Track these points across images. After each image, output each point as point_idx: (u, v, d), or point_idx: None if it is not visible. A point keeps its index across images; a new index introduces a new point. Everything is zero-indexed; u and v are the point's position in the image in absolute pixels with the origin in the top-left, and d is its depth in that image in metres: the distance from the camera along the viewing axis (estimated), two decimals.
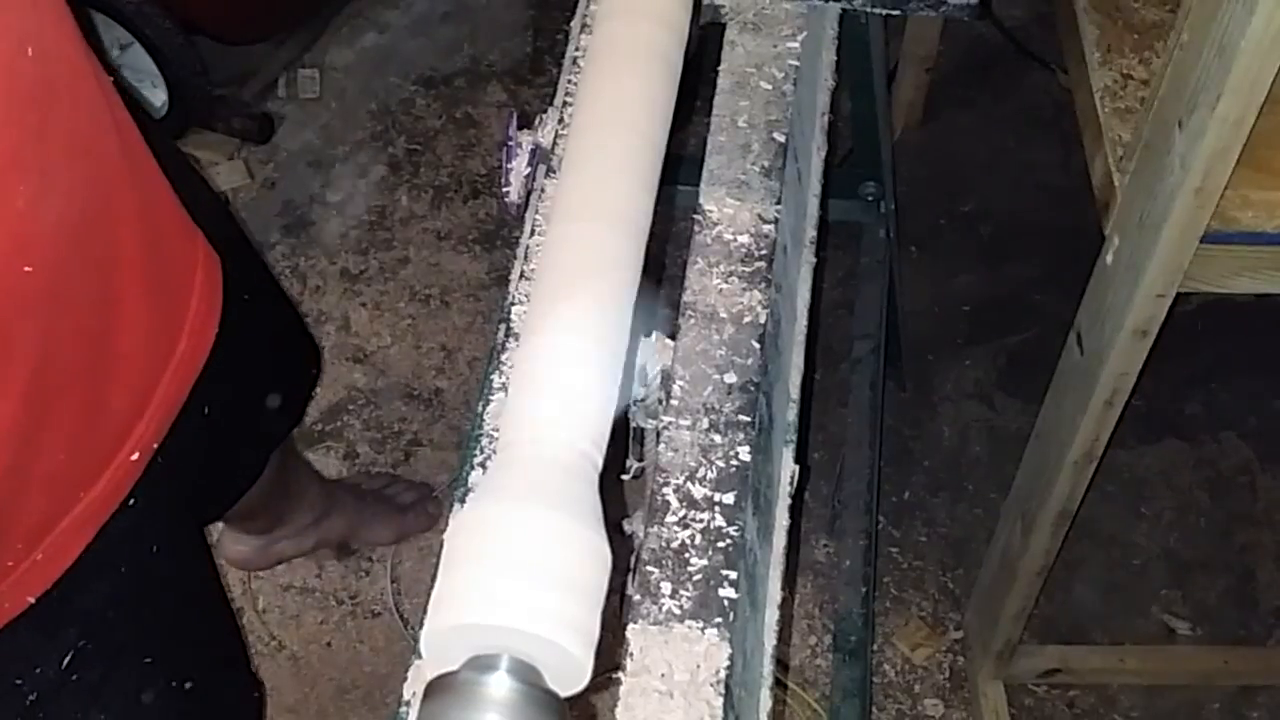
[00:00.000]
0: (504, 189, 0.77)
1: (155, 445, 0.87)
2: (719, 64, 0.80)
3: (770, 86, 0.78)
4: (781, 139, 0.75)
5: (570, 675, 0.46)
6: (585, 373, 0.47)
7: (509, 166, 0.77)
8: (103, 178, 0.79)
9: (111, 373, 0.83)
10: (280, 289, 1.28)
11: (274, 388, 1.19)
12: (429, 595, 0.45)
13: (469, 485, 0.64)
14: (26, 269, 0.71)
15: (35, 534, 0.81)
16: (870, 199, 1.57)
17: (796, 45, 0.80)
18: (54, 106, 0.72)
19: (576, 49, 0.82)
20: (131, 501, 0.87)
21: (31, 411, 0.76)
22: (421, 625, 0.47)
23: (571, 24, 0.86)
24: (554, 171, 0.75)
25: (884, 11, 0.83)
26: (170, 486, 0.91)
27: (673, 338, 0.66)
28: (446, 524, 0.48)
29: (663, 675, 0.55)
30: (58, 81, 0.73)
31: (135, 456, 0.86)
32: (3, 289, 0.70)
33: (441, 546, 0.46)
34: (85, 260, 0.77)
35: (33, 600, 0.83)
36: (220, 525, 1.57)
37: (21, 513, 0.79)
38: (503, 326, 0.69)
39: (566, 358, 0.47)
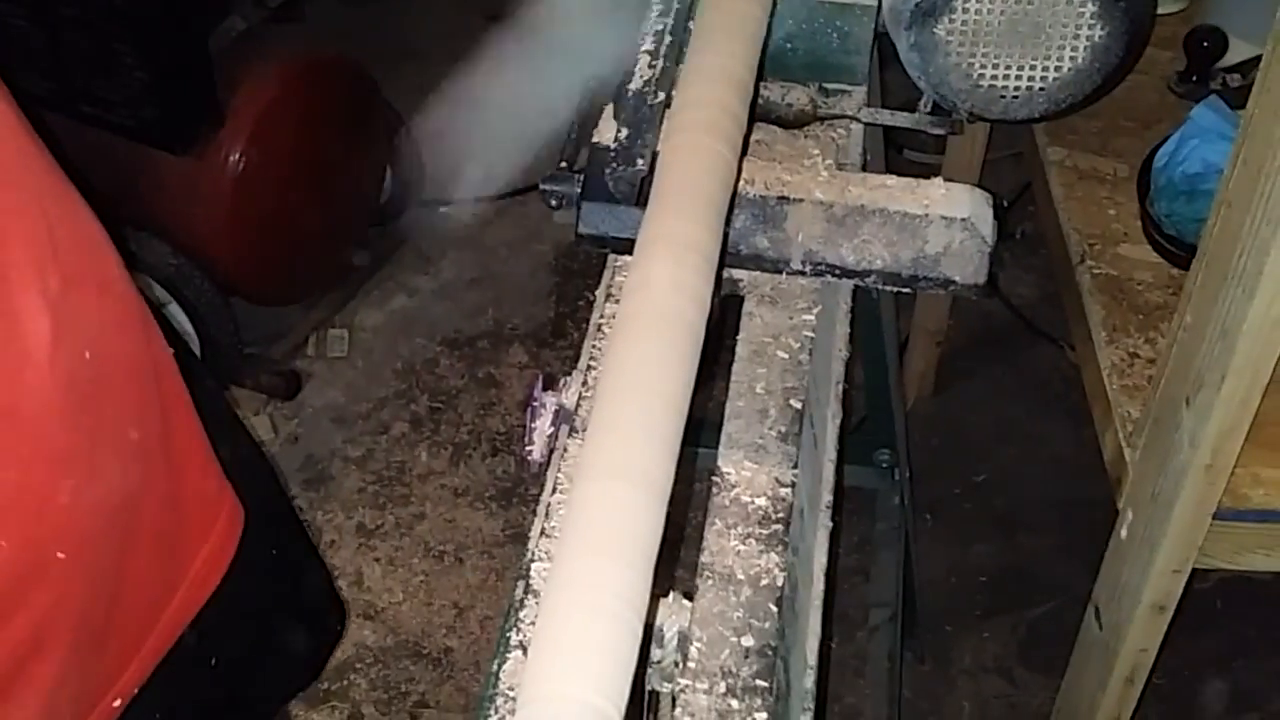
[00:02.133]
0: (527, 447, 0.79)
1: (136, 691, 0.87)
2: (737, 332, 0.83)
3: (787, 356, 0.81)
4: (798, 406, 0.77)
5: None
6: (606, 631, 0.48)
7: (533, 426, 0.79)
8: (141, 459, 0.81)
9: (114, 626, 0.83)
10: (312, 550, 1.28)
11: (285, 647, 1.18)
12: None
13: None
14: (60, 555, 0.72)
15: None
16: (885, 466, 1.59)
17: (811, 317, 0.83)
18: (106, 404, 0.75)
19: (601, 316, 0.86)
20: None
21: (60, 676, 0.76)
22: None
23: (595, 292, 0.90)
24: (577, 432, 0.77)
25: (895, 289, 0.87)
26: None
27: (689, 598, 0.67)
28: None
29: None
30: (112, 379, 0.76)
31: (118, 703, 0.86)
32: (37, 576, 0.71)
33: None
34: (111, 535, 0.79)
35: None
36: None
37: None
38: (521, 583, 0.69)
39: (588, 615, 0.48)
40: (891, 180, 0.86)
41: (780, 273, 0.86)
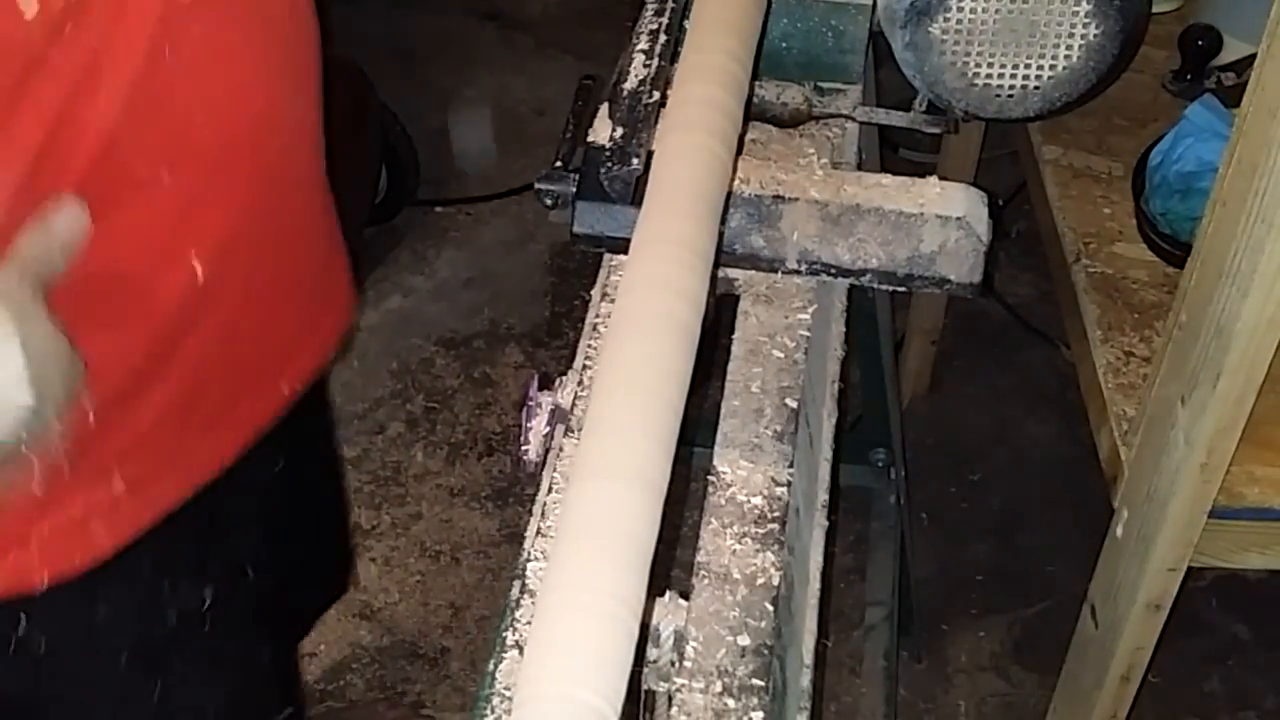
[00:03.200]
0: (522, 447, 0.79)
1: (292, 395, 0.96)
2: (733, 332, 0.83)
3: (782, 355, 0.81)
4: (793, 404, 0.77)
5: None
6: (602, 630, 0.48)
7: (528, 425, 0.79)
8: (303, 196, 0.96)
9: (232, 376, 0.91)
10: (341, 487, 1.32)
11: (312, 558, 1.21)
12: None
13: None
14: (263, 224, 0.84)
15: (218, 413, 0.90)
16: (880, 465, 1.59)
17: (807, 316, 0.83)
18: (302, 110, 0.90)
19: (596, 316, 0.86)
20: (278, 463, 0.96)
21: (180, 397, 0.85)
22: None
23: (591, 292, 0.90)
24: (572, 432, 0.77)
25: (890, 288, 0.87)
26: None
27: (685, 597, 0.67)
28: None
29: None
30: (303, 128, 0.91)
31: (286, 391, 0.95)
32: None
33: None
34: (268, 252, 0.89)
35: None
36: None
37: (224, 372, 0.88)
38: (517, 583, 0.69)
39: (584, 615, 0.48)
40: (887, 179, 0.86)
41: (775, 271, 0.86)
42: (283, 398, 0.96)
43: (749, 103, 0.85)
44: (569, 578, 0.49)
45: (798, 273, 0.85)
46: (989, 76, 0.90)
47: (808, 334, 0.82)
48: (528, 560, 0.70)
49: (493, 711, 0.64)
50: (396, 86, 2.37)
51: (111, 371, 0.81)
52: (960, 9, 0.88)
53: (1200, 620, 1.80)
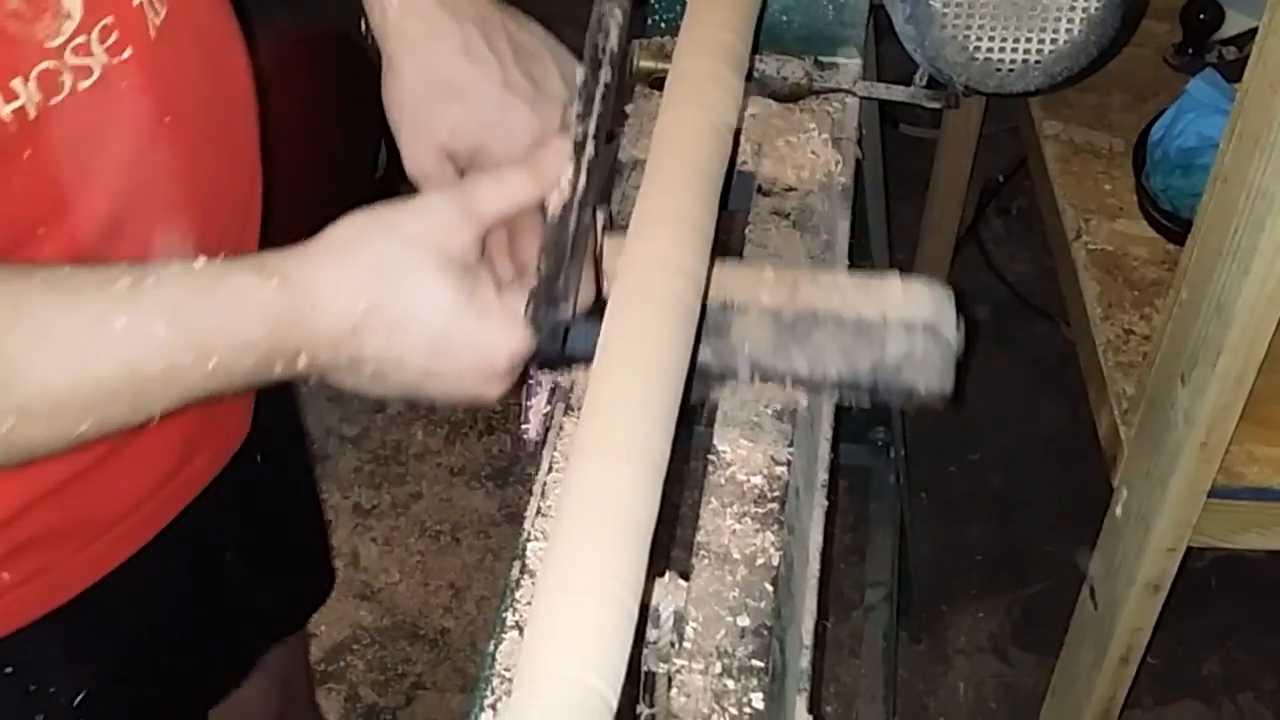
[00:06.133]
0: (522, 426, 0.78)
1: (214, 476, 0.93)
2: None
3: None
4: None
5: None
6: (602, 611, 0.47)
7: (528, 404, 0.78)
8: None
9: None
10: (318, 504, 1.29)
11: (279, 588, 1.17)
12: None
13: None
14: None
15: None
16: (880, 444, 1.59)
17: None
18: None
19: None
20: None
21: None
22: None
23: None
24: (572, 410, 0.76)
25: (853, 400, 0.73)
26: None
27: (685, 577, 0.66)
28: None
29: None
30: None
31: (182, 494, 0.91)
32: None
33: None
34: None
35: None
36: None
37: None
38: (517, 563, 0.69)
39: (584, 595, 0.48)
40: (844, 279, 0.75)
41: (725, 384, 0.74)
42: (177, 500, 0.91)
43: (749, 77, 0.84)
44: (569, 558, 0.49)
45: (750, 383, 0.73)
46: (990, 50, 0.89)
47: None
48: (528, 540, 0.70)
49: (493, 692, 0.64)
50: None
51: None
52: None
53: (1200, 600, 1.80)
